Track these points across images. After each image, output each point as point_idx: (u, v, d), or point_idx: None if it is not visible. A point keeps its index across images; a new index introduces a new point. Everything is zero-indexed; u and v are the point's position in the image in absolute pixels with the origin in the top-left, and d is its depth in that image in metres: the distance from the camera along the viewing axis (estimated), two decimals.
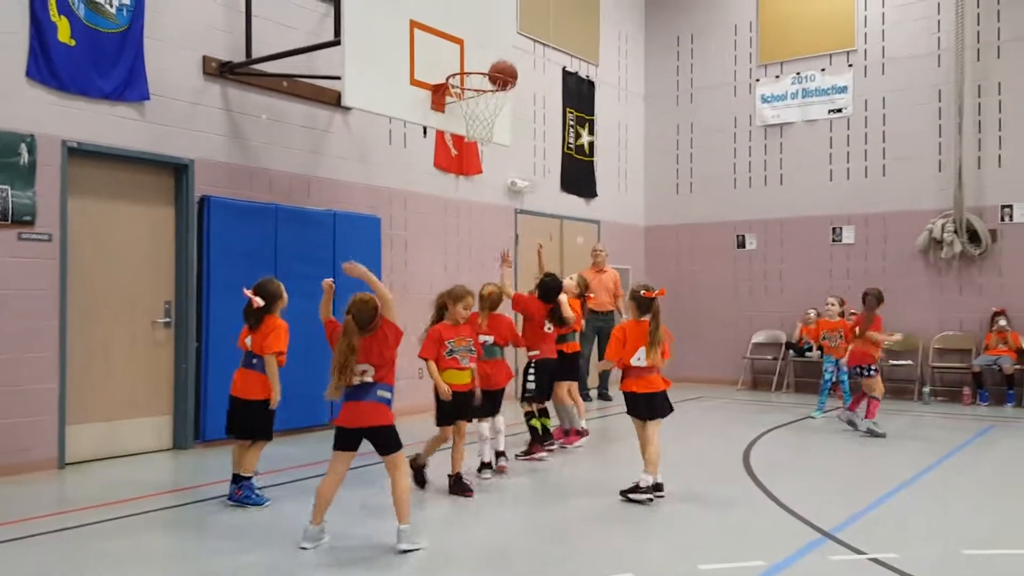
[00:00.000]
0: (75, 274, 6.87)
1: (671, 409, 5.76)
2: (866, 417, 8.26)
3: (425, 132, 9.85)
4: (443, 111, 7.44)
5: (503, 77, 7.11)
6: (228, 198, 7.80)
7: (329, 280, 4.94)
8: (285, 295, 5.63)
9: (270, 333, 5.46)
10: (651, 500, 5.52)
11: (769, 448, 7.73)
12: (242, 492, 5.46)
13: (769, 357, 12.58)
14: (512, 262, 6.74)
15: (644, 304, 5.71)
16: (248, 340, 5.55)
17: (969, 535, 4.86)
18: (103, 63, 6.93)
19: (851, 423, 8.60)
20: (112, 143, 7.05)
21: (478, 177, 10.69)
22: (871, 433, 8.19)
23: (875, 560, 4.33)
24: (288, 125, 8.42)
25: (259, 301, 5.45)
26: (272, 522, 5.11)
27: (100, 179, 7.12)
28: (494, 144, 8.07)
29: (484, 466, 6.35)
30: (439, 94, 7.39)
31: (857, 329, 8.48)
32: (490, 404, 6.32)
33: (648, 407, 5.66)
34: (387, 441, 4.52)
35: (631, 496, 5.55)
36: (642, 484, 5.54)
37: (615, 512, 5.41)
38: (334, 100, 8.61)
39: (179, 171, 7.60)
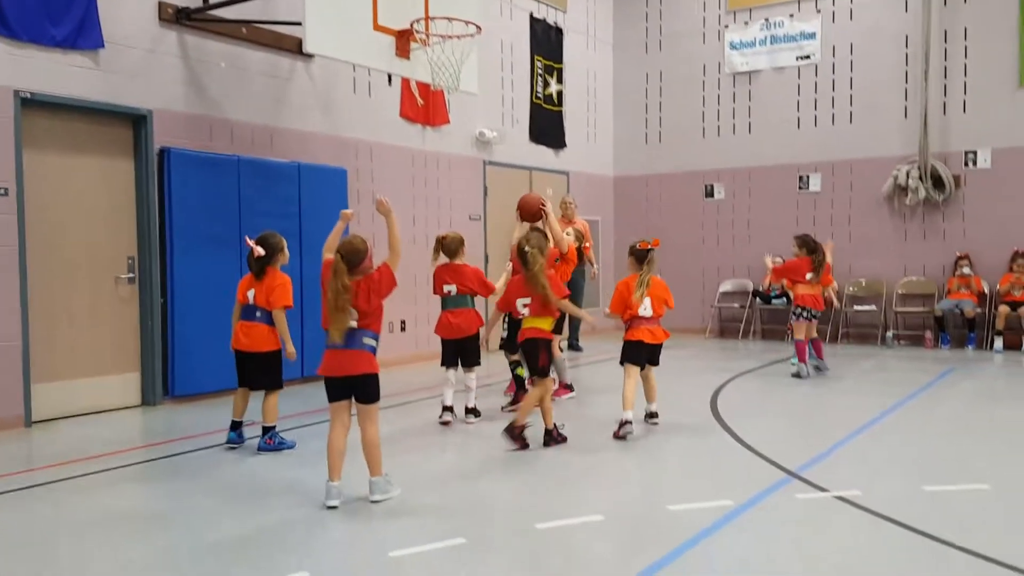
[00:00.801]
0: (34, 229, 6.70)
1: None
2: (800, 361, 8.54)
3: (390, 80, 9.69)
4: (408, 58, 7.30)
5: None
6: (189, 150, 7.62)
7: (348, 211, 4.97)
8: (287, 251, 5.76)
9: (276, 287, 5.59)
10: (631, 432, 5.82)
11: (736, 393, 7.85)
12: (273, 440, 5.66)
13: (736, 305, 12.72)
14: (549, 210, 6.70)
15: (641, 256, 6.07)
16: (251, 293, 5.63)
17: (929, 472, 5.00)
18: (54, 9, 6.67)
19: (818, 369, 8.76)
20: (67, 93, 6.83)
21: (446, 128, 10.56)
22: (797, 375, 8.52)
23: (839, 497, 4.44)
24: (249, 74, 8.22)
25: (260, 250, 5.56)
26: (251, 475, 5.12)
27: (56, 131, 6.91)
28: (461, 92, 7.97)
29: (445, 409, 6.44)
30: (403, 40, 7.25)
31: (810, 275, 8.52)
32: (452, 353, 6.36)
33: (650, 355, 6.06)
34: (369, 391, 4.44)
35: (622, 434, 5.79)
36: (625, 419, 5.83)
37: (588, 458, 5.49)
38: (295, 47, 8.40)
39: (137, 122, 7.39)
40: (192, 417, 6.89)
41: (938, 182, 11.29)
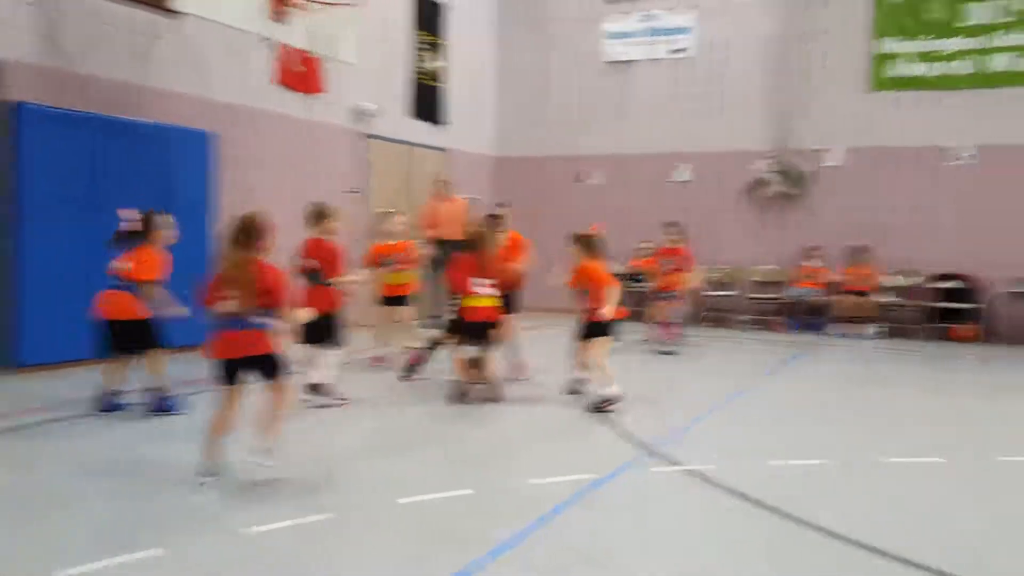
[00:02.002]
0: None
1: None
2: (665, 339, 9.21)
3: (268, 45, 9.37)
4: (283, 22, 7.10)
5: None
6: (45, 105, 7.15)
7: None
8: (168, 229, 5.67)
9: (144, 261, 5.51)
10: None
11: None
12: (164, 401, 5.66)
13: None
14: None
15: (588, 243, 6.61)
16: (120, 265, 5.52)
17: (773, 448, 5.38)
18: None
19: (670, 351, 9.20)
20: None
21: (326, 98, 10.31)
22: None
23: (689, 471, 4.74)
24: (112, 28, 7.76)
25: (131, 225, 5.48)
26: (115, 448, 4.92)
27: None
28: (339, 62, 7.82)
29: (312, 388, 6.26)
30: (279, 3, 7.04)
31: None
32: (312, 332, 6.15)
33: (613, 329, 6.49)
34: (269, 368, 4.30)
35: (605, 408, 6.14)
36: (611, 394, 6.18)
37: (454, 434, 5.60)
38: (163, 3, 8.00)
39: None
40: (43, 386, 6.52)
41: (793, 177, 12.02)
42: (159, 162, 8.01)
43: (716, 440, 5.59)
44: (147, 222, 5.60)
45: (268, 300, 4.25)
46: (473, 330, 6.42)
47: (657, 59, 12.98)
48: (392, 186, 11.54)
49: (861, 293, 11.32)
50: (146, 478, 4.38)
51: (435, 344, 7.29)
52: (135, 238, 5.55)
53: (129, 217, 5.55)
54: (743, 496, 4.30)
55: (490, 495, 4.30)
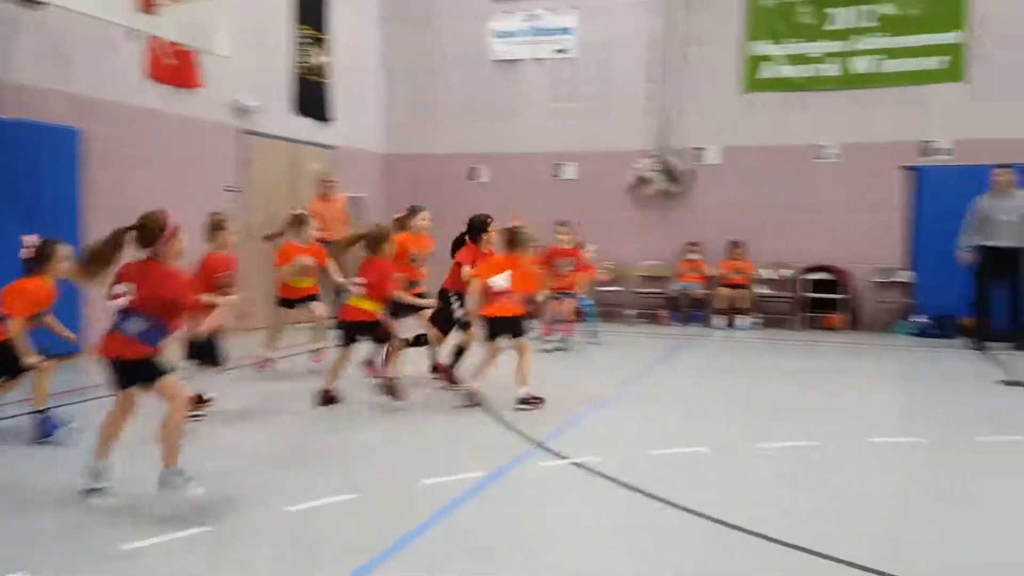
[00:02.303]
0: None
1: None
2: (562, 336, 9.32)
3: (136, 37, 8.95)
4: (153, 13, 6.79)
5: None
6: None
7: None
8: (63, 262, 5.14)
9: (14, 291, 5.10)
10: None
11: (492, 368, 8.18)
12: (46, 424, 5.21)
13: None
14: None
15: (515, 238, 6.50)
16: None
17: (655, 438, 5.55)
18: None
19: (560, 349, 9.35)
20: None
21: (203, 93, 9.92)
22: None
23: (576, 464, 4.83)
24: None
25: (26, 252, 5.09)
26: None
27: None
28: (213, 55, 7.54)
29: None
30: None
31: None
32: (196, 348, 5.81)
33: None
34: (142, 373, 4.04)
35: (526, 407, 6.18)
36: (526, 395, 6.24)
37: (339, 439, 5.51)
38: None
39: None
40: None
41: (675, 175, 12.43)
42: (23, 161, 7.51)
43: (602, 432, 5.72)
44: (40, 251, 5.15)
45: (162, 307, 4.04)
46: (346, 330, 6.26)
47: (541, 59, 13.15)
48: (275, 184, 11.24)
49: (739, 286, 11.81)
50: (17, 497, 4.10)
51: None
52: (30, 265, 5.12)
53: (28, 243, 5.13)
54: (628, 486, 4.42)
55: (379, 498, 4.26)
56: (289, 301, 7.82)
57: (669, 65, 12.42)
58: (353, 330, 6.23)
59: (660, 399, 7.01)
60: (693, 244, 12.31)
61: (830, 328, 11.47)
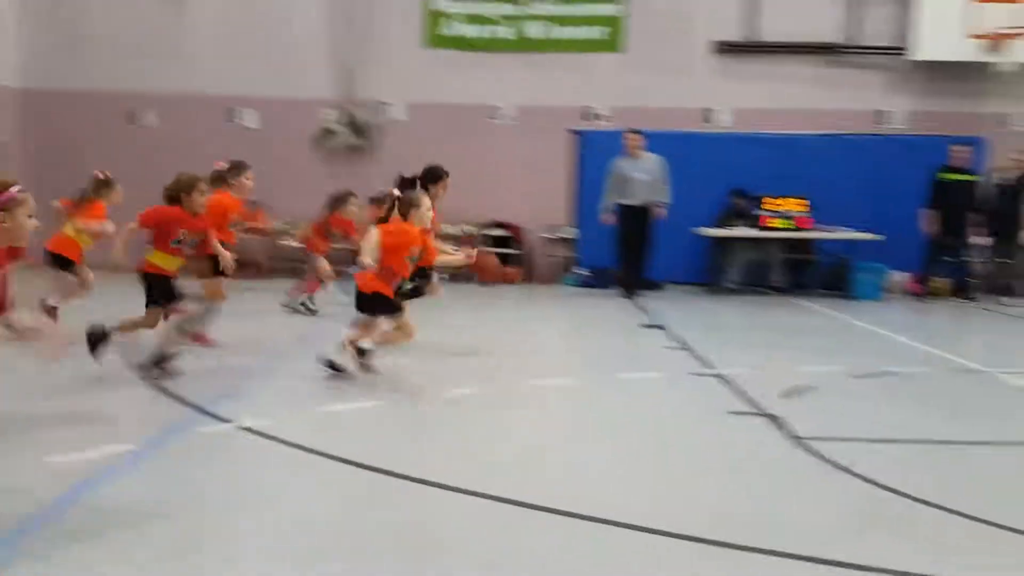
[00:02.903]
0: None
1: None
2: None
3: None
4: None
5: None
6: None
7: None
8: None
9: None
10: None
11: None
12: None
13: None
14: None
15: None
16: None
17: (331, 396, 5.45)
18: None
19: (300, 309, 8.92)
20: None
21: None
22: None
23: (244, 428, 4.60)
24: None
25: None
26: None
27: None
28: None
29: None
30: None
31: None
32: None
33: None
34: None
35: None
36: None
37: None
38: None
39: None
40: None
41: (360, 129, 12.29)
42: None
43: (275, 394, 5.52)
44: None
45: None
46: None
47: None
48: None
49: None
50: None
51: None
52: None
53: None
54: (297, 446, 4.30)
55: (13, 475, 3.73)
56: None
57: (353, 12, 12.15)
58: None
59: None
60: (380, 200, 12.29)
61: (508, 282, 12.12)
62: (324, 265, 8.80)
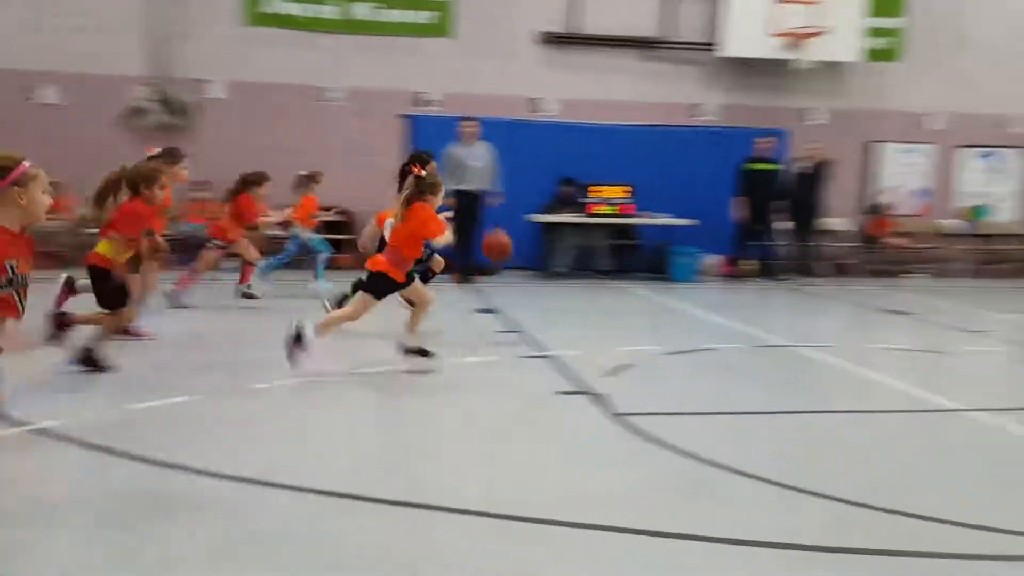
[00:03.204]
0: None
1: None
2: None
3: None
4: None
5: None
6: None
7: None
8: None
9: None
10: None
11: None
12: None
13: None
14: None
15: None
16: None
17: (130, 391, 5.12)
18: None
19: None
20: None
21: None
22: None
23: (38, 430, 4.22)
24: None
25: None
26: None
27: None
28: None
29: None
30: None
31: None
32: None
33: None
34: None
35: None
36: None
37: None
38: None
39: None
40: None
41: (175, 108, 11.58)
42: None
43: (67, 391, 5.12)
44: None
45: None
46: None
47: None
48: None
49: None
50: None
51: None
52: None
53: None
54: (99, 448, 4.01)
55: None
56: None
57: None
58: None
59: (146, 348, 6.48)
60: (201, 183, 11.63)
61: (345, 268, 11.78)
62: (251, 248, 8.97)
